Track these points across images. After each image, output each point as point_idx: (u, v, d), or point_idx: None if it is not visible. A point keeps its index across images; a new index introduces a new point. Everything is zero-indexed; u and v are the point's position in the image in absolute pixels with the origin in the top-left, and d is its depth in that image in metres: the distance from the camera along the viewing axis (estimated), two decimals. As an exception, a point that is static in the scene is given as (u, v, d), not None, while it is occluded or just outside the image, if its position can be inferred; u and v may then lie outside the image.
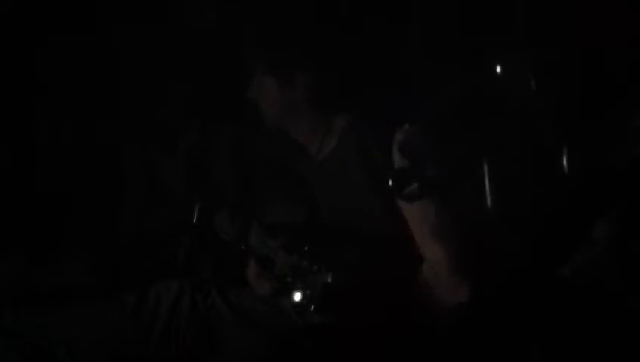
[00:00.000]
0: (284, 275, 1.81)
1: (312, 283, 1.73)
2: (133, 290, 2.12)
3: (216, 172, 2.32)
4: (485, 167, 1.71)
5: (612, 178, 1.82)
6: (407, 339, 1.84)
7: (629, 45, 2.07)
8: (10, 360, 1.96)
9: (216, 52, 2.39)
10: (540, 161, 1.89)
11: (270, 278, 1.92)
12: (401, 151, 1.67)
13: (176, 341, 2.04)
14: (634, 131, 1.83)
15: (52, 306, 2.14)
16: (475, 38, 2.28)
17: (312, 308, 1.72)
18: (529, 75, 1.88)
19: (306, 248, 1.78)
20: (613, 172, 1.83)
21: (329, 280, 1.71)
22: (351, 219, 1.95)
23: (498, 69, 1.82)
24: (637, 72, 1.99)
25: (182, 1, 2.55)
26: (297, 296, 1.74)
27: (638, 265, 1.75)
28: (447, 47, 2.29)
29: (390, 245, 1.83)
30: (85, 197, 2.56)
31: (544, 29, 2.20)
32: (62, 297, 2.23)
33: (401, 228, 1.78)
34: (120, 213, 2.57)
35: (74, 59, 2.55)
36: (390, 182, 1.61)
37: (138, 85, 2.58)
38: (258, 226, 2.12)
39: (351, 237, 1.91)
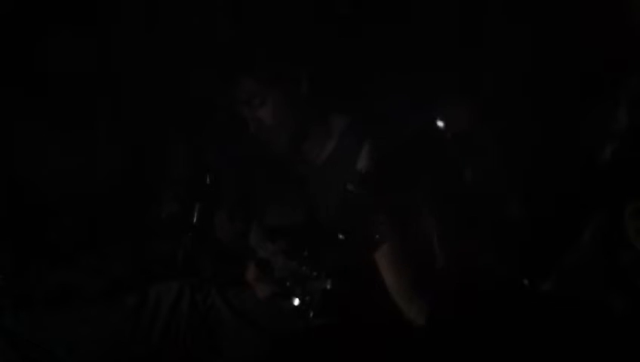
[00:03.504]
0: (283, 279, 1.81)
1: (311, 289, 1.73)
2: (134, 290, 2.12)
3: (215, 173, 2.31)
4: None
5: (595, 182, 1.83)
6: (406, 340, 1.84)
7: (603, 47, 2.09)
8: (10, 360, 1.96)
9: (217, 56, 2.38)
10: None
11: (270, 282, 1.92)
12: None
13: (176, 341, 2.04)
14: (616, 131, 1.83)
15: (52, 306, 2.14)
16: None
17: (312, 314, 1.72)
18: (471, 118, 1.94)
19: (306, 253, 1.78)
20: (596, 175, 1.83)
21: (328, 286, 1.71)
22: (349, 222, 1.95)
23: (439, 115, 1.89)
24: (611, 72, 2.00)
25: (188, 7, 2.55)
26: (296, 302, 1.74)
27: (623, 270, 1.75)
28: (445, 49, 2.30)
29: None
30: (85, 197, 2.56)
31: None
32: (62, 297, 2.23)
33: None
34: (120, 213, 2.57)
35: (72, 59, 2.55)
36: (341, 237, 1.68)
37: (138, 85, 2.59)
38: (257, 227, 2.13)
39: (350, 239, 1.92)
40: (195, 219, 2.26)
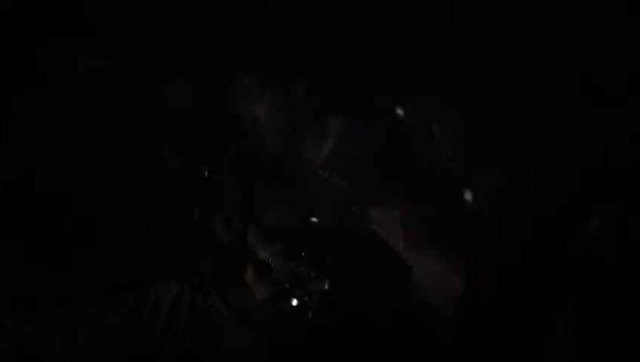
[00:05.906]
0: (282, 281, 1.81)
1: (309, 290, 1.73)
2: (134, 291, 2.12)
3: (214, 174, 2.32)
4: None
5: (607, 179, 1.83)
6: (406, 340, 1.85)
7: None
8: (10, 360, 1.97)
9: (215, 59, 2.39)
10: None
11: (268, 283, 1.92)
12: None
13: (176, 341, 2.03)
14: (630, 134, 1.84)
15: (52, 306, 2.15)
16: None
17: (310, 315, 1.73)
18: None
19: (304, 254, 1.79)
20: (611, 174, 1.83)
21: (326, 287, 1.71)
22: (347, 222, 1.96)
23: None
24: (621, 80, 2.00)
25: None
26: (295, 303, 1.75)
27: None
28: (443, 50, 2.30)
29: (385, 248, 1.84)
30: (85, 197, 2.56)
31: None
32: (62, 297, 2.23)
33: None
34: (120, 213, 2.58)
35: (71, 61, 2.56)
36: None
37: (136, 86, 2.59)
38: (256, 229, 2.13)
39: (348, 240, 1.92)
40: (194, 220, 2.26)
